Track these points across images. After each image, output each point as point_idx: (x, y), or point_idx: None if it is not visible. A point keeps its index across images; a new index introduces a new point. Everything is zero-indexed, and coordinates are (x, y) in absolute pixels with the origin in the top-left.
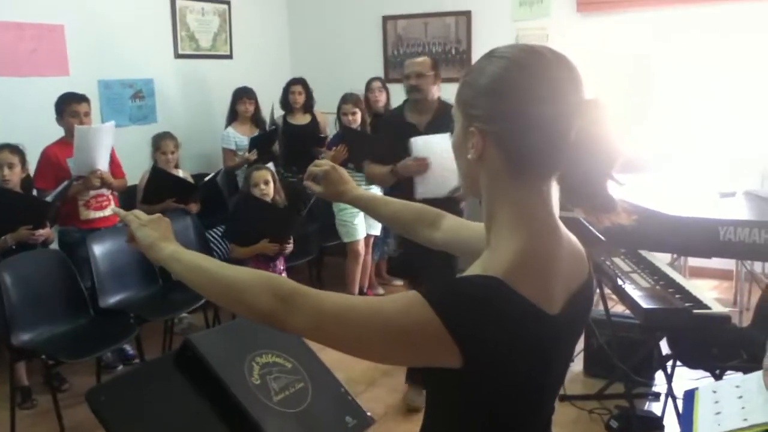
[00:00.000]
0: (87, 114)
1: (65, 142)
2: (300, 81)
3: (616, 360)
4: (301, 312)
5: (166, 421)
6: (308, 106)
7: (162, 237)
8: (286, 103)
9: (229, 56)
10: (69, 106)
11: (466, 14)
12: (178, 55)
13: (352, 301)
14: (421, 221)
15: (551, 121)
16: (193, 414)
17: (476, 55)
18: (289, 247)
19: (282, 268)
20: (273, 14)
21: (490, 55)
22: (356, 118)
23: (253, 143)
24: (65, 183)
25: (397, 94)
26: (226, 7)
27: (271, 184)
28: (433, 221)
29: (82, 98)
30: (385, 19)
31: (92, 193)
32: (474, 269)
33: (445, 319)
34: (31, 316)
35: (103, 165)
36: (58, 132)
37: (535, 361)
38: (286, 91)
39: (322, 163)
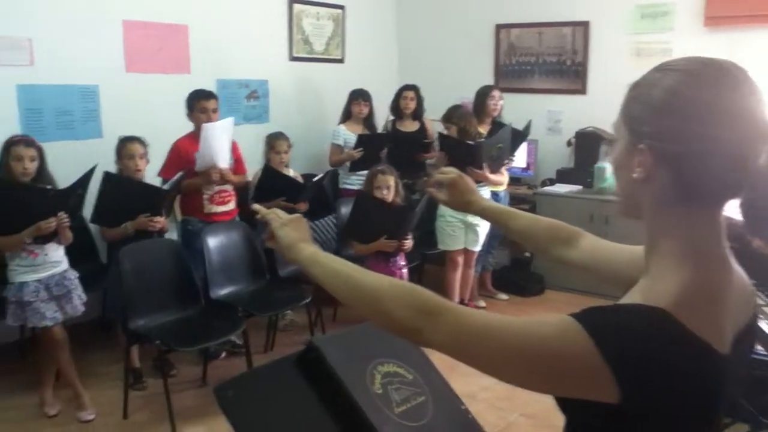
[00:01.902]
0: (215, 111)
1: (194, 137)
2: (413, 87)
3: (740, 399)
4: (442, 328)
5: (286, 420)
6: (418, 113)
7: (301, 238)
8: (396, 108)
9: (341, 60)
10: (198, 103)
11: (584, 25)
12: (292, 58)
13: (498, 320)
14: (556, 239)
15: (735, 145)
16: (313, 417)
17: (593, 68)
18: (408, 243)
19: (402, 263)
20: (384, 21)
21: (663, 67)
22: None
23: (360, 141)
24: (179, 175)
25: (509, 104)
26: (340, 12)
27: (393, 190)
28: (568, 239)
29: (210, 95)
30: (499, 27)
31: (216, 188)
32: (632, 297)
33: (604, 349)
34: (146, 303)
35: (223, 161)
36: (178, 126)
37: (702, 403)
38: (398, 96)
39: (449, 171)
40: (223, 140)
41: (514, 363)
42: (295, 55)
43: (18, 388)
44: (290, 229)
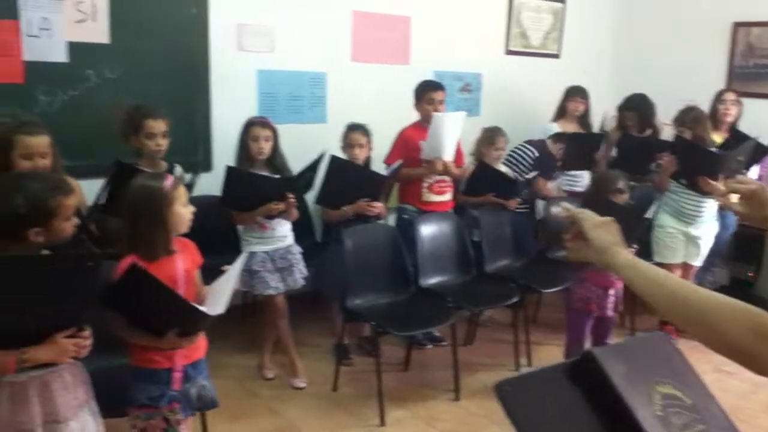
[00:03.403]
0: (441, 102)
1: (420, 126)
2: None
3: None
4: None
5: (561, 424)
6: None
7: (615, 242)
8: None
9: (557, 55)
10: (427, 93)
11: None
12: (508, 52)
13: None
14: None
15: None
16: (587, 428)
17: None
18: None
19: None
20: (606, 17)
21: None
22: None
23: (571, 139)
24: (398, 163)
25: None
26: (561, 6)
27: (626, 195)
28: None
29: (438, 86)
30: (737, 25)
31: (435, 177)
32: None
33: None
34: (363, 284)
35: (448, 153)
36: (394, 115)
37: None
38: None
39: (748, 181)
40: (451, 132)
41: None
42: (511, 48)
43: (239, 348)
44: (603, 231)
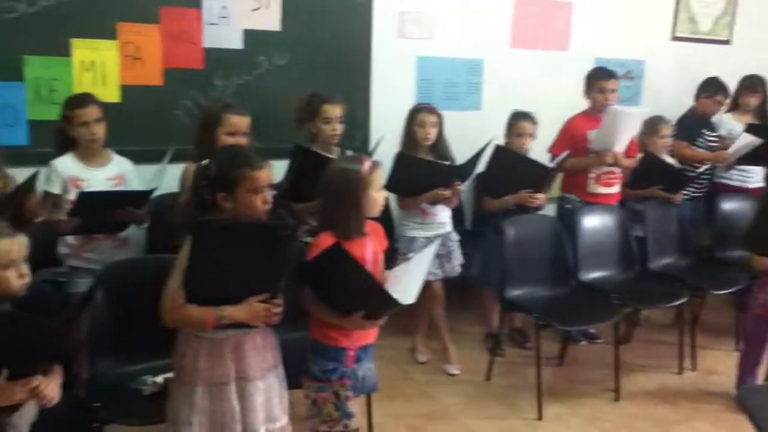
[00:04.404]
0: (614, 91)
1: (588, 115)
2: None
3: None
4: None
5: None
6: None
7: None
8: None
9: (727, 42)
10: (597, 82)
11: None
12: (674, 38)
13: None
14: None
15: None
16: None
17: None
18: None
19: None
20: None
21: None
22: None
23: (751, 131)
24: (565, 154)
25: None
26: None
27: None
28: None
29: (611, 74)
30: None
31: (605, 168)
32: None
33: None
34: (523, 275)
35: (620, 146)
36: (553, 103)
37: None
38: None
39: None
40: (627, 129)
41: None
42: (678, 34)
43: (395, 330)
44: None
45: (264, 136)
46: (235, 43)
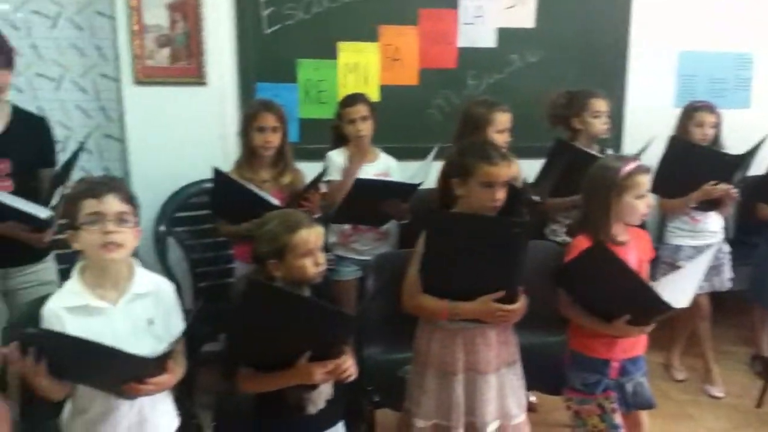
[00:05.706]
0: None
1: None
2: None
3: None
4: None
5: None
6: None
7: None
8: None
9: None
10: None
11: None
12: None
13: None
14: None
15: None
16: None
17: None
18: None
19: None
20: None
21: None
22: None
23: None
24: None
25: None
26: None
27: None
28: None
29: None
30: None
31: None
32: None
33: None
34: None
35: None
36: None
37: None
38: None
39: None
40: None
41: None
42: None
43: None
44: None
45: (515, 134)
46: (489, 41)
